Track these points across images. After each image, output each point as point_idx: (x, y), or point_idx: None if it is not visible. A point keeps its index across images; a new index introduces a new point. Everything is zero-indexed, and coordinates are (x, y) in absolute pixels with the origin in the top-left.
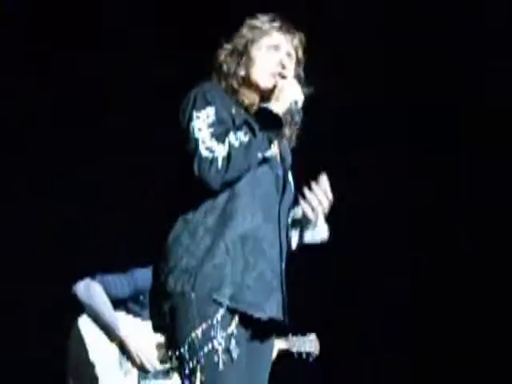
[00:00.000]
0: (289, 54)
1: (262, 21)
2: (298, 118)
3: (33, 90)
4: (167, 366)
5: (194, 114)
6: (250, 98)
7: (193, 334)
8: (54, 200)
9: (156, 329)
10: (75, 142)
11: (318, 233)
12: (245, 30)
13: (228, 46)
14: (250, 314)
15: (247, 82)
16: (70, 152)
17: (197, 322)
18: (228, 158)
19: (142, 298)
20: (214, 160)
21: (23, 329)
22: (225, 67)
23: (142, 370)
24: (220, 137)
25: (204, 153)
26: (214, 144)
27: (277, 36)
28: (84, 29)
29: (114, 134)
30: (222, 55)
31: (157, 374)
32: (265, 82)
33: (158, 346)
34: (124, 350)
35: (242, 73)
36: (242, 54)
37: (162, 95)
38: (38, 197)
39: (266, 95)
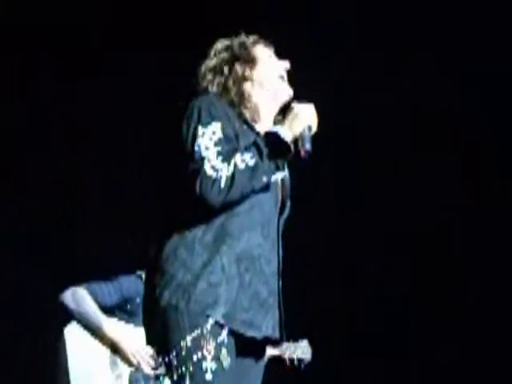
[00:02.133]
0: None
1: (241, 38)
2: (308, 147)
3: None
4: (159, 371)
5: (200, 129)
6: (255, 110)
7: (182, 343)
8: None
9: (149, 342)
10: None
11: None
12: (236, 43)
13: (225, 54)
14: (243, 332)
15: (258, 87)
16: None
17: (187, 330)
18: (232, 179)
19: (128, 306)
20: (217, 179)
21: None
22: (233, 75)
23: (137, 370)
24: (226, 156)
25: (208, 171)
26: (219, 163)
27: (263, 49)
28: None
29: (110, 139)
30: (227, 63)
31: (148, 379)
32: (276, 83)
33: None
34: (117, 352)
35: (252, 77)
36: (248, 60)
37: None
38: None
39: (275, 102)
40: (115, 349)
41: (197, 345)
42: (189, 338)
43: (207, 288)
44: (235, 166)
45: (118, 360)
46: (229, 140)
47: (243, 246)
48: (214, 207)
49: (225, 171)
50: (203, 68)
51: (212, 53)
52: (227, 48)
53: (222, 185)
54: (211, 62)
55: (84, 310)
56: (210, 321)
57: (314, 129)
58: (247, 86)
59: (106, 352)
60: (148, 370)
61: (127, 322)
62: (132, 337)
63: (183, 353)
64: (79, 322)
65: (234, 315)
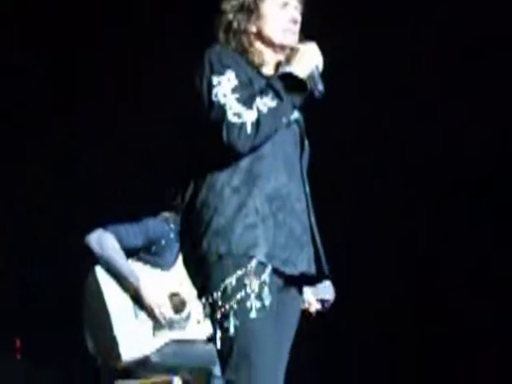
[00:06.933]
0: (296, 8)
1: None
2: (321, 87)
3: None
4: (182, 315)
5: (214, 79)
6: (260, 55)
7: (227, 281)
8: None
9: (199, 292)
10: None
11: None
12: None
13: (234, 3)
14: (283, 269)
15: (259, 39)
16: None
17: (231, 269)
18: (257, 123)
19: (153, 247)
20: (242, 125)
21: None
22: (235, 24)
23: (156, 320)
24: (247, 101)
25: (232, 119)
26: (241, 109)
27: None
28: None
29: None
30: (230, 12)
31: (171, 324)
32: (279, 37)
33: (173, 295)
34: (138, 300)
35: (253, 29)
36: (252, 11)
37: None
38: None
39: (278, 51)
40: (136, 296)
41: (241, 283)
42: (234, 277)
43: (244, 231)
44: (258, 110)
45: None
46: (245, 86)
47: (272, 187)
48: (243, 153)
49: (249, 116)
50: (218, 10)
51: None
52: None
53: (249, 130)
54: (222, 5)
55: (109, 255)
56: (254, 260)
57: (321, 68)
58: (247, 37)
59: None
60: (163, 322)
61: (152, 263)
62: (153, 284)
63: (228, 291)
64: (103, 266)
65: (274, 254)
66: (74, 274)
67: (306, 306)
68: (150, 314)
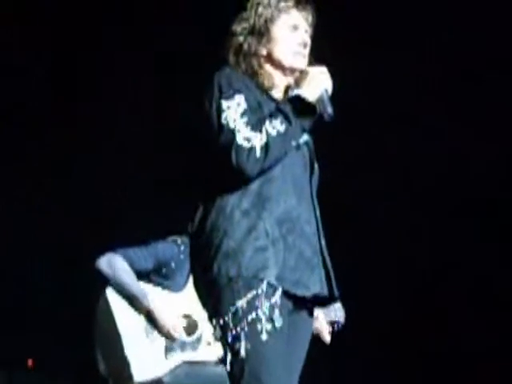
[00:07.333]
0: (306, 31)
1: (271, 3)
2: (330, 110)
3: None
4: (193, 337)
5: (224, 103)
6: (270, 78)
7: (238, 303)
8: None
9: (210, 314)
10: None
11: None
12: (261, 9)
13: (245, 25)
14: (294, 291)
15: (269, 62)
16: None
17: (242, 292)
18: (266, 147)
19: (164, 270)
20: (252, 149)
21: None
22: (245, 47)
23: (170, 339)
24: (256, 125)
25: (242, 142)
26: (250, 133)
27: (295, 14)
28: None
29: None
30: (241, 35)
31: (183, 346)
32: (289, 60)
33: (184, 317)
34: (151, 320)
35: (263, 52)
36: (263, 34)
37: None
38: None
39: (288, 74)
40: (150, 319)
41: (252, 306)
42: (244, 299)
43: (254, 253)
44: (267, 133)
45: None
46: (254, 110)
47: (281, 210)
48: (252, 177)
49: (258, 140)
50: (229, 32)
51: (238, 18)
52: (249, 17)
53: (258, 154)
54: (232, 27)
55: (120, 277)
56: (265, 282)
57: (330, 91)
58: (257, 60)
59: (141, 318)
60: (174, 343)
61: (162, 285)
62: (165, 305)
63: (239, 314)
64: (115, 289)
65: (284, 276)
66: (74, 274)
67: (318, 331)
68: (162, 333)
